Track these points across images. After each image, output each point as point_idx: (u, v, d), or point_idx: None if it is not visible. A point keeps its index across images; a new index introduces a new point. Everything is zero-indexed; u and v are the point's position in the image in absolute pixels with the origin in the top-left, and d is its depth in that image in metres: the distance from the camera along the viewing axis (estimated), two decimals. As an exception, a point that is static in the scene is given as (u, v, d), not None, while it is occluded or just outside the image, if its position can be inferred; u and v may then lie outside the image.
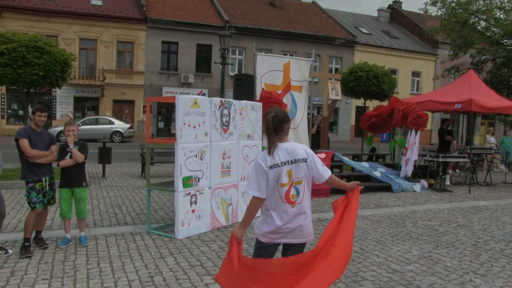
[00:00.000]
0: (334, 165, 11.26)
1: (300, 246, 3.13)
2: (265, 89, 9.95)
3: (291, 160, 3.04)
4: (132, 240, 5.75)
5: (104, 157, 11.47)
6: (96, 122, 24.71)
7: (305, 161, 3.07)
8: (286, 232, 3.07)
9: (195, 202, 5.99)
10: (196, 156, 5.90)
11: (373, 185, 10.83)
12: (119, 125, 25.08)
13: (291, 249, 3.12)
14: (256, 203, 3.02)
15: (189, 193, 5.89)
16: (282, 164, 3.03)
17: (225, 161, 6.47)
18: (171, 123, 30.97)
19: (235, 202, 6.73)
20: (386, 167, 11.76)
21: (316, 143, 13.22)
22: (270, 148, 3.08)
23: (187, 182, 5.81)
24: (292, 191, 3.04)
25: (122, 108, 29.66)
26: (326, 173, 3.16)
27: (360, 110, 37.17)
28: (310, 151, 3.12)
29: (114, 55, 29.07)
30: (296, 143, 3.15)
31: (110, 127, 24.66)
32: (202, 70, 31.25)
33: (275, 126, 3.09)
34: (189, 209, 5.92)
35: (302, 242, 3.13)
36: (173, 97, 5.86)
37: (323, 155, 10.92)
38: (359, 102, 29.86)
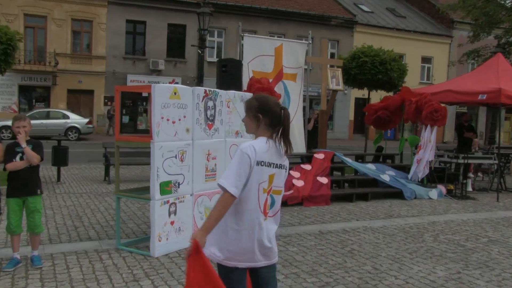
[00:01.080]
0: (335, 167, 11.27)
1: (271, 268, 3.06)
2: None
3: (277, 164, 2.99)
4: (98, 259, 5.62)
5: (60, 157, 11.26)
6: (47, 116, 24.35)
7: (286, 170, 3.07)
8: (260, 251, 2.99)
9: (175, 212, 5.93)
10: (176, 157, 5.85)
11: (381, 191, 10.85)
12: (75, 119, 24.76)
13: (261, 273, 3.03)
14: (228, 202, 2.85)
15: (168, 201, 5.82)
16: (268, 164, 2.97)
17: (209, 162, 6.44)
18: (137, 118, 30.76)
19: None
20: (396, 169, 11.80)
21: (313, 141, 13.24)
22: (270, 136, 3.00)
23: (165, 188, 5.76)
24: (268, 201, 3.00)
25: (79, 99, 29.31)
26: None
27: (361, 103, 37.43)
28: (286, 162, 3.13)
29: (69, 36, 28.69)
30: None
31: (64, 121, 24.34)
32: (174, 55, 31.08)
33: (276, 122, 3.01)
34: (167, 221, 5.84)
35: (273, 264, 3.06)
36: (147, 85, 5.78)
37: (321, 156, 10.93)
38: (359, 93, 30.23)
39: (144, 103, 30.67)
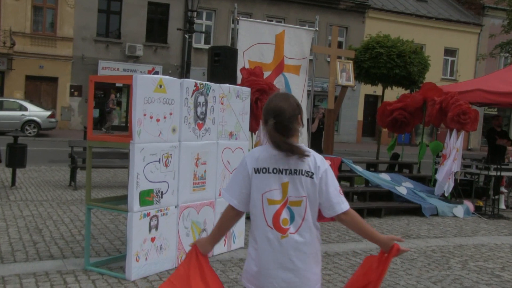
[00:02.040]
0: (342, 176, 11.27)
1: None
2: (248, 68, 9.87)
3: (290, 170, 3.00)
4: (62, 282, 5.55)
5: (15, 157, 11.14)
6: (0, 107, 24.17)
7: (311, 177, 3.01)
8: (280, 276, 2.99)
9: (156, 227, 5.91)
10: (159, 161, 5.86)
11: (397, 206, 10.86)
12: (35, 111, 24.61)
13: None
14: (229, 215, 3.13)
15: (148, 214, 5.81)
16: (275, 171, 3.00)
17: (198, 168, 6.47)
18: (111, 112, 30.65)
19: (211, 227, 6.59)
20: (415, 181, 11.80)
21: (316, 145, 13.24)
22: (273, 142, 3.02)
23: (146, 198, 5.75)
24: (284, 214, 3.00)
25: (39, 88, 29.15)
26: (339, 204, 3.04)
27: (371, 100, 37.62)
28: (325, 166, 3.05)
29: (29, 12, 28.55)
30: (309, 150, 3.10)
31: (21, 114, 24.19)
32: (155, 39, 31.04)
33: (283, 127, 3.03)
34: (147, 237, 5.82)
35: None
36: (128, 76, 5.78)
37: (327, 162, 10.86)
38: (369, 89, 30.26)
39: (118, 95, 30.58)
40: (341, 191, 3.08)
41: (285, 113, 3.02)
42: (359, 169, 11.40)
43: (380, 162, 13.05)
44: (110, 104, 27.89)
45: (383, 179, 11.39)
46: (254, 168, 3.02)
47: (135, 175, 5.57)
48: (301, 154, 2.96)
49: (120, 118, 30.95)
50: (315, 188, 3.00)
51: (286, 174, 2.99)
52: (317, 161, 3.02)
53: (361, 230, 3.10)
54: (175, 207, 6.15)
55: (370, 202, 10.84)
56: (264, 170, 3.01)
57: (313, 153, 3.05)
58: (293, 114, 3.03)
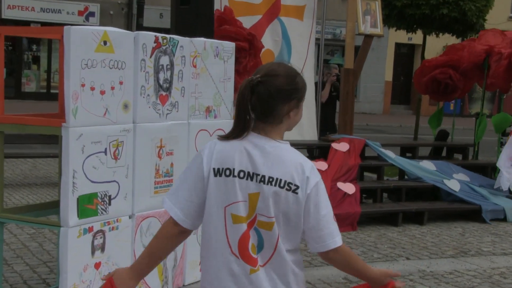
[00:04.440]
0: (366, 165, 11.33)
1: None
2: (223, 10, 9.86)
3: (263, 177, 3.03)
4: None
5: None
6: None
7: (294, 191, 3.05)
8: None
9: (102, 248, 5.92)
10: (105, 152, 5.83)
11: (446, 208, 10.99)
12: None
13: None
14: (169, 233, 3.16)
15: (90, 229, 5.79)
16: (242, 174, 3.04)
17: (162, 161, 6.47)
18: (22, 72, 30.45)
19: (181, 245, 6.63)
20: (471, 171, 11.88)
21: (329, 120, 13.24)
22: (235, 131, 3.10)
23: (87, 206, 5.72)
24: (252, 238, 3.06)
25: None
26: (331, 236, 3.11)
27: (405, 53, 37.37)
28: (316, 178, 3.10)
29: None
30: (292, 153, 3.14)
31: None
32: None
33: (258, 107, 3.08)
34: (89, 262, 5.82)
35: None
36: (56, 28, 5.75)
37: (344, 146, 10.98)
38: (401, 36, 29.95)
39: (34, 47, 30.38)
40: (333, 217, 3.13)
41: (275, 79, 3.06)
42: (391, 154, 11.45)
43: (421, 144, 13.17)
44: None
45: (426, 169, 11.46)
46: (214, 169, 3.02)
47: (70, 173, 5.52)
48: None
49: (37, 81, 30.80)
50: (299, 208, 3.04)
51: (256, 181, 3.02)
52: (305, 169, 3.06)
53: (354, 269, 3.23)
54: (130, 217, 6.14)
55: (407, 202, 10.93)
56: (227, 172, 3.02)
57: (299, 156, 3.09)
58: (287, 89, 3.07)
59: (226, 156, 3.01)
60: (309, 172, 3.03)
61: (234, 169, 3.00)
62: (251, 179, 3.00)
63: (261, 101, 3.04)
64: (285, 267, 3.04)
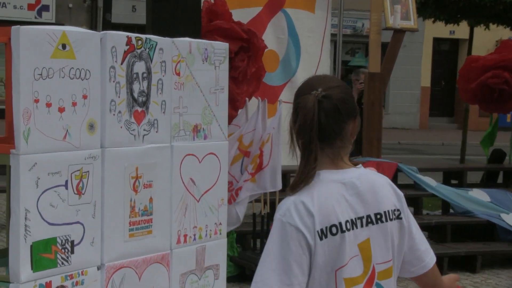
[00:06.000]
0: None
1: None
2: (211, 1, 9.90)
3: (368, 218, 3.15)
4: None
5: None
6: None
7: (398, 217, 3.22)
8: None
9: (63, 310, 5.91)
10: (65, 186, 5.83)
11: (505, 251, 10.94)
12: None
13: None
14: None
15: (48, 285, 5.78)
16: (348, 225, 3.11)
17: (139, 195, 6.46)
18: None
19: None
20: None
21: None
22: (310, 169, 3.14)
23: (43, 254, 5.71)
24: None
25: None
26: (428, 252, 3.35)
27: (446, 50, 37.27)
28: (400, 193, 3.30)
29: None
30: (374, 174, 3.34)
31: None
32: None
33: (327, 126, 3.17)
34: (46, 330, 5.82)
35: None
36: (1, 28, 5.82)
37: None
38: (441, 29, 29.89)
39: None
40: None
41: (336, 91, 3.20)
42: (431, 182, 11.49)
43: (470, 168, 13.22)
44: None
45: (477, 200, 11.49)
46: (319, 231, 3.03)
47: (22, 212, 5.50)
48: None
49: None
50: (402, 233, 3.21)
51: (364, 224, 3.12)
52: (394, 187, 3.25)
53: (439, 285, 3.42)
54: (98, 268, 6.11)
55: (454, 244, 10.97)
56: (334, 230, 3.05)
57: (379, 174, 3.25)
58: (351, 103, 3.26)
59: (327, 211, 3.04)
60: (396, 188, 3.21)
61: (340, 223, 3.05)
62: (356, 226, 3.07)
63: (331, 119, 3.14)
64: None
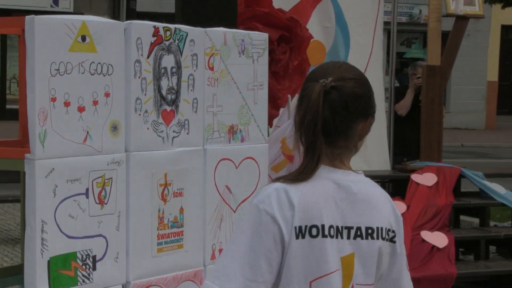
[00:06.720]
0: (462, 206, 11.32)
1: None
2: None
3: (358, 230, 3.13)
4: None
5: None
6: None
7: (391, 240, 3.19)
8: None
9: (85, 334, 5.93)
10: (86, 193, 5.82)
11: None
12: None
13: None
14: None
15: (67, 306, 5.81)
16: (332, 231, 3.09)
17: (168, 204, 6.44)
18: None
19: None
20: None
21: (410, 142, 13.17)
22: (310, 163, 3.13)
23: (62, 271, 5.72)
24: None
25: None
26: None
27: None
28: (400, 216, 3.26)
29: None
30: (376, 187, 3.28)
31: None
32: None
33: (330, 122, 3.14)
34: None
35: None
36: (14, 18, 5.76)
37: (430, 178, 10.95)
38: (510, 16, 29.78)
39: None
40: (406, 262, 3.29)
41: (349, 84, 3.14)
42: (499, 189, 11.44)
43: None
44: None
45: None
46: (296, 228, 3.02)
47: (38, 224, 5.51)
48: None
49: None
50: (392, 260, 3.18)
51: (352, 237, 3.09)
52: (394, 205, 3.21)
53: None
54: (123, 287, 6.11)
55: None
56: (314, 231, 3.04)
57: (381, 189, 3.21)
58: (365, 100, 3.17)
59: (311, 208, 3.02)
60: (397, 209, 3.18)
61: (323, 226, 3.03)
62: (341, 236, 3.05)
63: (336, 115, 3.10)
64: None
